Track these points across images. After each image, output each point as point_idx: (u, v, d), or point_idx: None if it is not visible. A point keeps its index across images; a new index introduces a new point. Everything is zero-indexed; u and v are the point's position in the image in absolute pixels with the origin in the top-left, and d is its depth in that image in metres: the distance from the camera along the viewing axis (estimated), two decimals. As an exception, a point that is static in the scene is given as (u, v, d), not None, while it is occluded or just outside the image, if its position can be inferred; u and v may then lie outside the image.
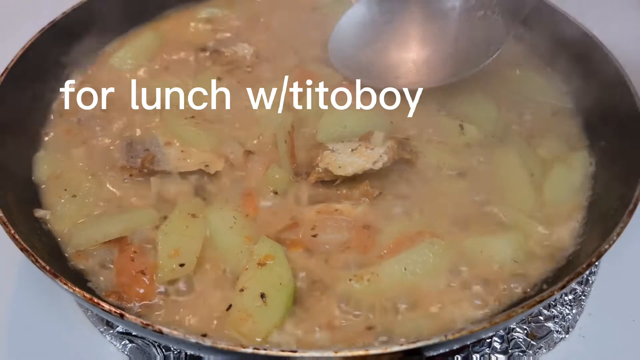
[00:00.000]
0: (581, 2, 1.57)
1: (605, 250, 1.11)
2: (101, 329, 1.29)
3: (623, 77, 1.37)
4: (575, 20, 1.54)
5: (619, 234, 1.12)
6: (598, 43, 1.46)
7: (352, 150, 1.35)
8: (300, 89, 1.52)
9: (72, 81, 1.59)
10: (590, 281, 1.34)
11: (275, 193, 1.34)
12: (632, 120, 1.30)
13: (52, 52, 1.55)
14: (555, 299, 1.30)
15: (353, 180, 1.33)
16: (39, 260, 1.10)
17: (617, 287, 1.35)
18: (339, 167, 1.33)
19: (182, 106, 1.51)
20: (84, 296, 1.06)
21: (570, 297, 1.31)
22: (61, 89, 1.56)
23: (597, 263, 1.35)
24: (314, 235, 1.27)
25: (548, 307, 1.29)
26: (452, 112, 1.49)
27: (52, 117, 1.51)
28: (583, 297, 1.32)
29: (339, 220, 1.29)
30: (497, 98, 1.52)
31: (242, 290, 1.15)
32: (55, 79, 1.57)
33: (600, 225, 1.22)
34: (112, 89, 1.56)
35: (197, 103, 1.51)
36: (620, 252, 1.33)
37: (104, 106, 1.53)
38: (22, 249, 1.11)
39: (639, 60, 1.44)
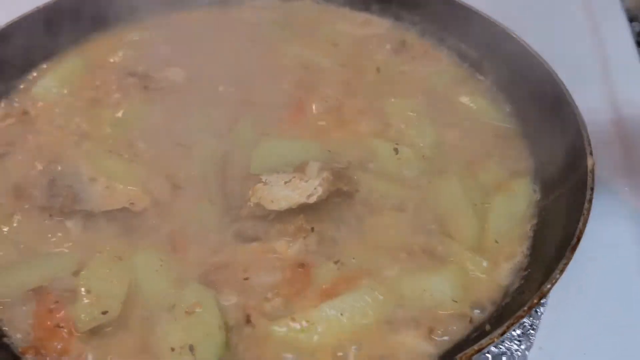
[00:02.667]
0: (525, 17, 1.53)
1: (548, 290, 1.05)
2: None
3: (567, 98, 1.31)
4: (519, 38, 1.48)
5: (561, 271, 1.06)
6: (542, 62, 1.41)
7: (286, 182, 1.28)
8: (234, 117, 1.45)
9: (-7, 113, 1.50)
10: (539, 313, 1.28)
11: (204, 231, 1.26)
12: (577, 146, 1.25)
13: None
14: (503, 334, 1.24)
15: (288, 214, 1.26)
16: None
17: (567, 318, 1.29)
18: (272, 201, 1.26)
19: (108, 136, 1.43)
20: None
21: (519, 331, 1.25)
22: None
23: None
24: (246, 278, 1.19)
25: (495, 344, 1.23)
26: (386, 134, 1.43)
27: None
28: (532, 331, 1.26)
29: (272, 260, 1.22)
30: (435, 118, 1.46)
31: (168, 343, 1.07)
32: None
33: (545, 258, 1.16)
34: (36, 119, 1.48)
35: (124, 132, 1.43)
36: (571, 281, 1.30)
37: (26, 138, 1.44)
38: None
39: (583, 79, 1.40)
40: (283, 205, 1.25)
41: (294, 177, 1.29)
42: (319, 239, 1.25)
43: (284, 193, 1.26)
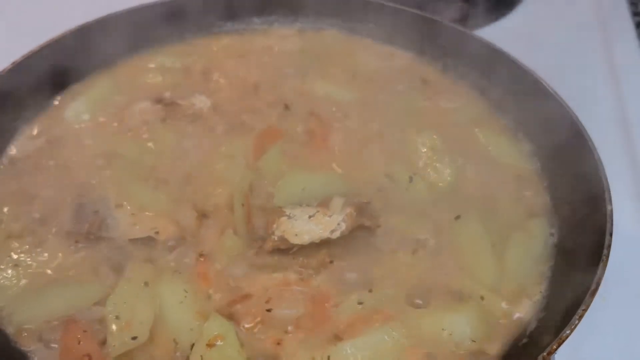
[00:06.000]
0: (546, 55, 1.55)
1: (567, 335, 1.07)
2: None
3: (588, 143, 1.33)
4: (539, 78, 1.50)
5: (580, 317, 1.08)
6: (563, 103, 1.43)
7: (310, 217, 1.30)
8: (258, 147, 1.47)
9: (21, 135, 1.52)
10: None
11: (229, 261, 1.28)
12: (597, 192, 1.26)
13: (2, 105, 1.48)
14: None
15: (310, 248, 1.28)
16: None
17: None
18: (296, 234, 1.28)
19: (134, 163, 1.45)
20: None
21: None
22: (8, 145, 1.49)
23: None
24: (269, 310, 1.21)
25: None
26: (404, 167, 1.46)
27: (-1, 175, 1.44)
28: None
29: (295, 293, 1.24)
30: (454, 154, 1.48)
31: None
32: (6, 132, 1.50)
33: (563, 301, 1.18)
34: (65, 144, 1.50)
35: (150, 159, 1.46)
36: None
37: (54, 162, 1.46)
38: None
39: (604, 122, 1.42)
40: (306, 239, 1.28)
41: (318, 211, 1.31)
42: (340, 274, 1.27)
43: (307, 227, 1.29)
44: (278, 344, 1.17)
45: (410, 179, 1.41)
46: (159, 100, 1.58)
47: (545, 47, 1.89)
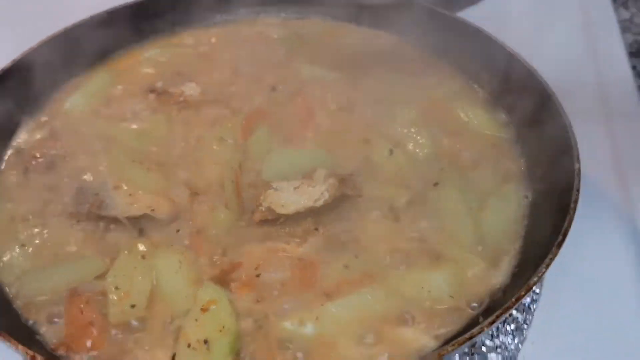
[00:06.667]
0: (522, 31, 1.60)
1: (534, 282, 1.13)
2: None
3: (556, 105, 1.40)
4: (511, 50, 1.56)
5: (547, 266, 1.14)
6: (535, 74, 1.49)
7: (295, 188, 1.38)
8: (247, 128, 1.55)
9: (25, 127, 1.61)
10: (532, 309, 1.37)
11: (220, 233, 1.36)
12: (565, 150, 1.33)
13: (3, 98, 1.56)
14: (498, 329, 1.33)
15: (296, 217, 1.36)
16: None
17: (559, 314, 1.37)
18: (282, 205, 1.35)
19: (130, 148, 1.54)
20: (27, 353, 1.09)
21: (512, 326, 1.34)
22: (13, 136, 1.59)
23: (537, 290, 1.38)
24: (258, 275, 1.29)
25: (491, 337, 1.32)
26: (385, 140, 1.52)
27: (3, 164, 1.53)
28: (525, 326, 1.34)
29: (282, 259, 1.32)
30: (435, 127, 1.55)
31: (185, 338, 1.17)
32: (7, 125, 1.59)
33: (534, 256, 1.23)
34: (66, 134, 1.59)
35: (145, 144, 1.54)
36: (562, 278, 1.38)
37: (56, 151, 1.55)
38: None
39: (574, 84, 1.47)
40: (292, 209, 1.35)
41: (303, 183, 1.39)
42: (325, 240, 1.34)
43: (293, 198, 1.36)
44: (269, 303, 1.25)
45: (391, 152, 1.48)
46: (151, 90, 1.68)
47: (523, 25, 1.94)
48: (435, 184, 1.42)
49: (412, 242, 1.34)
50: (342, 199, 1.39)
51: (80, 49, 1.73)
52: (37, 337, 1.23)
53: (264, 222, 1.36)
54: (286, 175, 1.43)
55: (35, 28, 1.68)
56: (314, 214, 1.36)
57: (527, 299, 1.37)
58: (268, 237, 1.35)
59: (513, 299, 1.11)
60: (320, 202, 1.36)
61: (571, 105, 1.41)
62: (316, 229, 1.35)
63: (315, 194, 1.37)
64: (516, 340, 1.32)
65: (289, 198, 1.36)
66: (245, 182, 1.44)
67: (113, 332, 1.21)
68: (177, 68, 1.76)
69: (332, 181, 1.39)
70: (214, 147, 1.52)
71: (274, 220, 1.36)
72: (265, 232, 1.36)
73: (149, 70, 1.76)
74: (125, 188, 1.43)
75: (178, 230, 1.37)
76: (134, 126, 1.60)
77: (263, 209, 1.36)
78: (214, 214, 1.38)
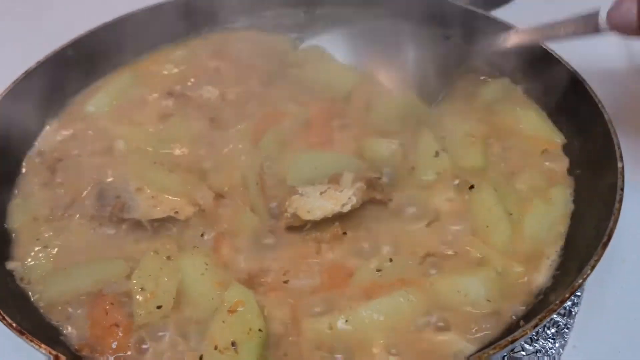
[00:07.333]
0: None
1: (579, 284, 1.09)
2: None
3: (599, 108, 1.36)
4: (554, 53, 1.51)
5: (593, 267, 1.10)
6: (571, 70, 1.46)
7: (321, 193, 1.34)
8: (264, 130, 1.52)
9: (49, 128, 1.59)
10: (574, 313, 1.32)
11: (246, 238, 1.32)
12: (608, 151, 1.28)
13: (28, 100, 1.55)
14: (538, 333, 1.28)
15: (323, 223, 1.32)
16: (6, 317, 1.10)
17: (601, 317, 1.32)
18: (308, 211, 1.32)
19: (152, 150, 1.51)
20: (50, 353, 1.06)
21: (553, 330, 1.29)
22: (37, 137, 1.57)
23: (579, 293, 1.33)
24: (285, 282, 1.26)
25: (530, 341, 1.27)
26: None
27: (26, 165, 1.51)
28: (566, 330, 1.30)
29: (311, 265, 1.28)
30: (483, 130, 1.51)
31: (212, 340, 1.13)
32: (32, 126, 1.58)
33: (577, 257, 1.20)
34: (87, 135, 1.57)
35: (166, 146, 1.51)
36: (604, 281, 1.34)
37: (79, 152, 1.53)
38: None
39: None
40: (318, 215, 1.31)
41: (329, 187, 1.35)
42: (355, 245, 1.31)
43: (319, 203, 1.32)
44: (298, 307, 1.21)
45: (437, 154, 1.43)
46: (170, 93, 1.66)
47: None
48: (471, 187, 1.38)
49: (447, 246, 1.30)
50: (370, 203, 1.35)
51: (104, 51, 1.72)
52: (61, 337, 1.20)
53: (291, 228, 1.33)
54: (312, 179, 1.39)
55: (60, 30, 1.68)
56: (342, 218, 1.33)
57: (569, 302, 1.32)
58: (295, 242, 1.32)
59: (557, 301, 1.07)
60: (347, 207, 1.32)
61: (612, 105, 1.37)
62: (344, 234, 1.32)
63: (342, 198, 1.33)
64: (557, 344, 1.27)
65: (315, 203, 1.32)
66: (268, 185, 1.40)
67: (138, 333, 1.19)
68: (197, 71, 1.74)
69: (360, 185, 1.35)
70: (234, 148, 1.50)
71: (301, 227, 1.33)
72: (292, 238, 1.33)
73: (171, 73, 1.74)
74: (148, 190, 1.40)
75: (202, 234, 1.34)
76: (154, 128, 1.58)
77: (289, 216, 1.32)
78: (240, 218, 1.35)
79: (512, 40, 1.48)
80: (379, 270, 1.25)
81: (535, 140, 1.50)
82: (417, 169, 1.43)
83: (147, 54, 1.79)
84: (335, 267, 1.27)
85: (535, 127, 1.53)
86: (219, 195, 1.39)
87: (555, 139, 1.49)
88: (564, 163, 1.44)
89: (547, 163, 1.45)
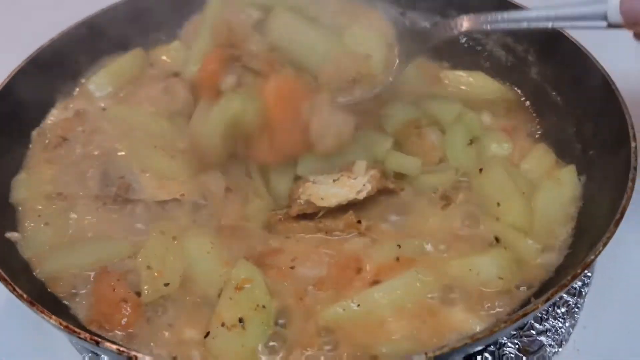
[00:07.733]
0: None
1: (592, 261, 1.07)
2: (86, 357, 1.24)
3: (612, 87, 1.33)
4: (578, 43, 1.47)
5: (605, 244, 1.08)
6: (590, 57, 1.41)
7: (334, 180, 1.32)
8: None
9: (56, 106, 1.56)
10: (584, 293, 1.30)
11: (253, 223, 1.30)
12: (621, 131, 1.25)
13: (37, 78, 1.52)
14: (548, 312, 1.26)
15: (337, 211, 1.30)
16: (16, 288, 1.08)
17: (611, 298, 1.31)
18: (322, 198, 1.29)
19: (153, 133, 1.47)
20: (61, 324, 1.03)
21: (563, 309, 1.27)
22: (44, 115, 1.54)
23: (589, 274, 1.32)
24: (292, 267, 1.23)
25: (540, 320, 1.25)
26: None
27: (33, 143, 1.49)
28: (576, 310, 1.27)
29: (321, 255, 1.25)
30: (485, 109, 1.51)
31: (219, 316, 1.12)
32: (41, 104, 1.55)
33: (589, 236, 1.17)
34: (89, 115, 1.53)
35: (167, 129, 1.48)
36: (614, 262, 1.32)
37: (82, 130, 1.50)
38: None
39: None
40: (333, 202, 1.29)
41: (342, 175, 1.32)
42: (368, 233, 1.28)
43: (333, 191, 1.30)
44: (300, 298, 1.19)
45: (470, 142, 1.42)
46: (175, 74, 1.59)
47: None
48: (481, 170, 1.35)
49: (460, 227, 1.28)
50: (384, 192, 1.33)
51: (111, 33, 1.67)
52: (71, 311, 1.18)
53: (302, 216, 1.30)
54: (322, 170, 1.35)
55: (73, 9, 1.65)
56: (355, 206, 1.30)
57: (579, 283, 1.30)
58: (305, 231, 1.29)
59: (569, 277, 1.04)
60: (363, 194, 1.29)
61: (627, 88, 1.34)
62: (359, 221, 1.29)
63: (357, 185, 1.30)
64: (567, 324, 1.25)
65: (329, 191, 1.30)
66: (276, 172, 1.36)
67: (146, 310, 1.17)
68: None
69: (374, 173, 1.32)
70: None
71: (313, 215, 1.30)
72: (302, 226, 1.30)
73: (175, 55, 1.68)
74: (151, 174, 1.37)
75: (210, 217, 1.31)
76: (156, 110, 1.52)
77: (302, 202, 1.29)
78: (247, 204, 1.32)
79: (465, 25, 1.38)
80: (394, 256, 1.22)
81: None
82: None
83: (150, 36, 1.73)
84: (346, 257, 1.24)
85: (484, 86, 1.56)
86: (225, 181, 1.34)
87: (556, 118, 1.48)
88: (573, 143, 1.42)
89: (555, 144, 1.44)
